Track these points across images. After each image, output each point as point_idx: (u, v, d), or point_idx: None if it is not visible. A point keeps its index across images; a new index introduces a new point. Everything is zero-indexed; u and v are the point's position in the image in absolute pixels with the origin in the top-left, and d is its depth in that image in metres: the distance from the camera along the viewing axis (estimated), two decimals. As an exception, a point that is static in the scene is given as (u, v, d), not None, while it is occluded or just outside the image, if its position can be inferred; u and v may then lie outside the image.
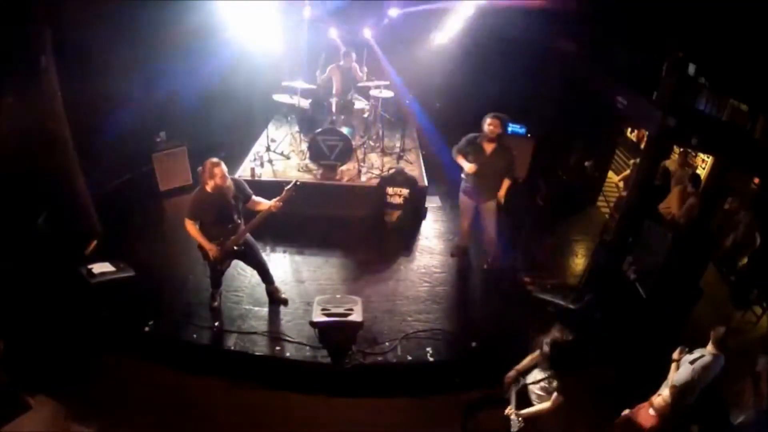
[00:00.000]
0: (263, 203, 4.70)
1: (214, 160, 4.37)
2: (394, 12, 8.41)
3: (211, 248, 4.61)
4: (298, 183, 4.67)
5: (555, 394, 3.38)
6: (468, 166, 5.37)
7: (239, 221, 4.66)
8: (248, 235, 4.84)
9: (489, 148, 5.39)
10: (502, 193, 5.52)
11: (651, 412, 3.59)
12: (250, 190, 4.73)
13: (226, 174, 4.40)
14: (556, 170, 8.85)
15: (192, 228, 4.53)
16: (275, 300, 5.28)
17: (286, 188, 4.61)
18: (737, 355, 5.05)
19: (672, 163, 7.29)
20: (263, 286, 5.31)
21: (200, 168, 4.43)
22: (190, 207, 4.50)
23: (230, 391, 4.48)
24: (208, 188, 4.40)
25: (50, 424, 3.90)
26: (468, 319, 5.33)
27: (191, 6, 6.65)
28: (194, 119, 7.82)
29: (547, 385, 3.44)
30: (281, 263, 5.94)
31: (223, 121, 8.49)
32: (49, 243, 5.17)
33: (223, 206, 4.49)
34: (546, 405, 3.41)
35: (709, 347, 3.72)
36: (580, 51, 7.76)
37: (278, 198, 4.61)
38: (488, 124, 5.30)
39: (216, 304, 5.11)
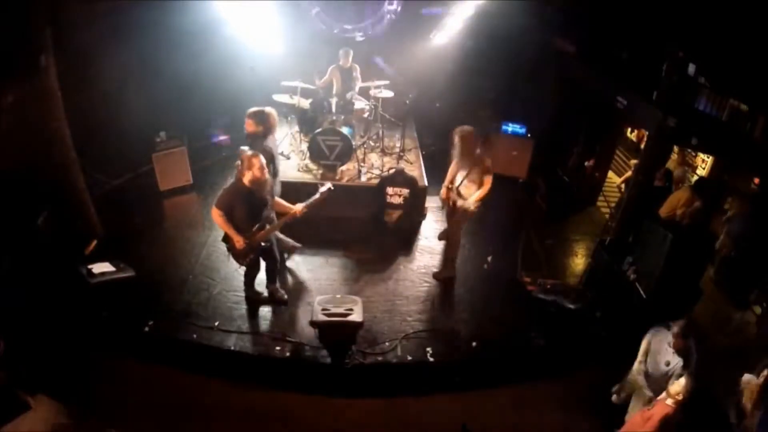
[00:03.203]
0: (284, 205, 4.79)
1: (252, 152, 4.45)
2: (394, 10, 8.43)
3: (239, 239, 4.55)
4: (332, 188, 4.76)
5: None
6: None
7: (271, 216, 4.73)
8: (277, 233, 4.96)
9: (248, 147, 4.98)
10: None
11: (669, 402, 3.54)
12: (279, 188, 4.91)
13: (264, 166, 4.43)
14: (556, 170, 8.85)
15: (219, 218, 4.50)
16: (275, 299, 5.28)
17: (320, 191, 4.72)
18: (737, 356, 5.08)
19: (671, 162, 7.29)
20: (263, 286, 5.32)
21: (237, 162, 4.51)
22: (222, 197, 4.48)
23: (230, 392, 4.48)
24: (246, 181, 4.42)
25: (50, 424, 3.89)
26: (468, 319, 5.33)
27: (191, 5, 6.65)
28: (194, 119, 7.82)
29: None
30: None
31: (223, 121, 8.51)
32: (49, 243, 5.17)
33: (257, 201, 4.54)
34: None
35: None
36: (580, 51, 7.76)
37: (306, 203, 4.71)
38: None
39: (274, 294, 5.22)
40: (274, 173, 5.16)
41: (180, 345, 4.77)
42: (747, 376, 3.97)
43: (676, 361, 3.79)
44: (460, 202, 5.45)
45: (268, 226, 4.71)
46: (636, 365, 4.12)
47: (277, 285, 5.32)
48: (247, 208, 4.53)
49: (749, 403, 3.81)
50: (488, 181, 5.27)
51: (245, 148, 5.08)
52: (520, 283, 5.81)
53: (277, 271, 5.25)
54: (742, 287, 5.71)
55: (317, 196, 4.75)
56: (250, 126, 5.02)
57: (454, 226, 5.76)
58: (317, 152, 6.71)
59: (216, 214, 4.52)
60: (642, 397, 4.04)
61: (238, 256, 4.77)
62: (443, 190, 5.69)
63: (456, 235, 5.76)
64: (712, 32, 5.14)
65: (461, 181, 5.47)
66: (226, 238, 4.69)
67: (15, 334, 4.20)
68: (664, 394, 3.65)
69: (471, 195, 5.35)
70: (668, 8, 5.43)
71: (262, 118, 5.01)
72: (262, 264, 5.15)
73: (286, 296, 5.32)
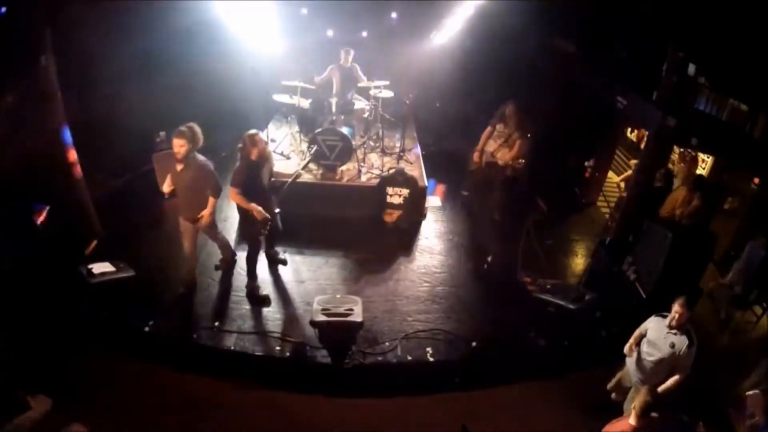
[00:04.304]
0: (281, 172, 5.58)
1: (252, 131, 4.83)
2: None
3: (261, 211, 4.85)
4: (316, 148, 6.09)
5: None
6: (165, 186, 4.88)
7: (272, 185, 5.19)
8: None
9: (179, 167, 4.74)
10: (206, 212, 4.86)
11: (631, 420, 3.41)
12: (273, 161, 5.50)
13: (265, 139, 4.97)
14: (556, 170, 8.84)
15: (237, 195, 4.81)
16: (274, 261, 5.73)
17: (310, 152, 6.02)
18: (738, 356, 5.08)
19: (681, 171, 7.27)
20: (263, 285, 5.37)
21: (239, 145, 4.88)
22: (237, 176, 4.80)
23: (230, 391, 4.48)
24: (253, 157, 4.80)
25: (50, 424, 3.90)
26: (468, 319, 5.33)
27: (191, 5, 6.64)
28: (194, 119, 7.80)
29: None
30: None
31: (223, 120, 8.49)
32: (49, 243, 5.17)
33: (265, 172, 4.98)
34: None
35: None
36: (580, 51, 7.77)
37: (303, 165, 5.69)
38: (175, 145, 4.63)
39: (265, 292, 5.36)
40: (215, 193, 4.90)
41: (180, 345, 4.77)
42: (752, 391, 3.97)
43: (681, 341, 3.81)
44: (500, 162, 6.70)
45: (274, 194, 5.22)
46: (629, 356, 4.12)
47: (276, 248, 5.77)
48: (262, 179, 4.94)
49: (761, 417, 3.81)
50: (518, 144, 6.56)
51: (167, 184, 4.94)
52: (520, 283, 5.81)
53: (275, 236, 5.56)
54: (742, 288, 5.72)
55: (310, 157, 5.91)
56: (183, 146, 4.60)
57: (497, 185, 6.78)
58: (317, 152, 6.71)
59: (234, 193, 4.82)
60: (638, 391, 4.04)
61: (260, 227, 4.98)
62: (476, 155, 6.89)
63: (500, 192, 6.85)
64: (711, 32, 5.14)
65: (495, 147, 6.72)
66: (245, 219, 5.04)
67: (15, 334, 4.21)
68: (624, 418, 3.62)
69: (502, 156, 6.64)
70: (668, 8, 5.43)
71: (192, 135, 4.70)
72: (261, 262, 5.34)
73: (285, 257, 5.81)
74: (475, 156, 6.93)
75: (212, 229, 5.21)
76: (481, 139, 6.88)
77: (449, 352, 4.93)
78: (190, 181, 4.73)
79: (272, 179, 5.27)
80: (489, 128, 6.84)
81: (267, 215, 4.92)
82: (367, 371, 4.68)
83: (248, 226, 5.12)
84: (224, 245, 5.55)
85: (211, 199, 4.83)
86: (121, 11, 6.32)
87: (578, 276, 6.35)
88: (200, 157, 4.78)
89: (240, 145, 4.90)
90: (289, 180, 5.41)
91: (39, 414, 3.92)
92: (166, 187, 4.85)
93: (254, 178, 4.87)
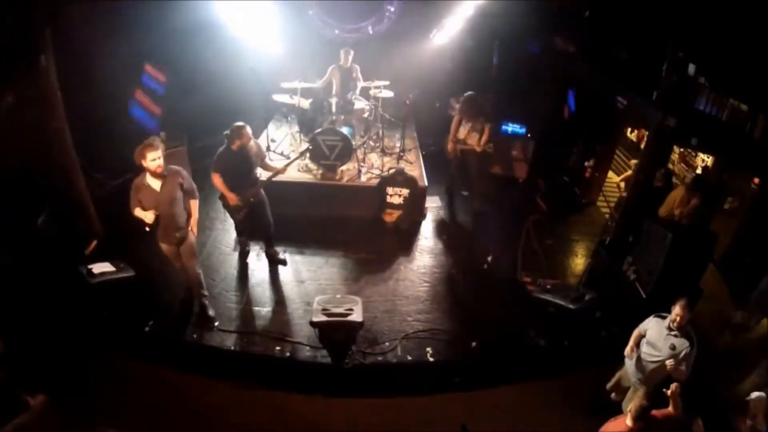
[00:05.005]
0: (271, 166, 5.52)
1: (240, 123, 5.04)
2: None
3: (232, 197, 5.20)
4: (310, 147, 6.21)
5: None
6: (148, 216, 4.38)
7: (256, 177, 5.37)
8: (263, 194, 5.45)
9: (158, 184, 4.47)
10: (194, 218, 4.77)
11: (627, 421, 3.40)
12: (265, 153, 5.79)
13: (251, 134, 5.13)
14: (556, 170, 8.85)
15: (218, 180, 5.14)
16: (274, 261, 5.82)
17: (300, 152, 5.98)
18: (738, 356, 5.08)
19: (675, 164, 7.29)
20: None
21: (226, 132, 5.08)
22: (215, 162, 5.11)
23: (230, 392, 4.48)
24: (234, 147, 5.02)
25: (50, 424, 3.90)
26: (468, 319, 5.33)
27: (191, 5, 6.65)
28: (194, 119, 7.81)
29: None
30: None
31: (223, 120, 8.49)
32: (49, 243, 5.17)
33: (244, 163, 5.16)
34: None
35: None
36: (580, 51, 7.77)
37: (287, 162, 5.55)
38: (152, 160, 4.34)
39: (248, 248, 5.92)
40: (193, 194, 4.76)
41: (180, 345, 4.78)
42: (756, 394, 3.96)
43: (681, 343, 3.80)
44: (478, 148, 7.06)
45: (256, 184, 5.38)
46: (630, 358, 4.12)
47: (275, 248, 5.87)
48: (238, 167, 5.13)
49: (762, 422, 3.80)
50: (487, 129, 6.99)
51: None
52: (520, 283, 5.81)
53: (271, 233, 5.71)
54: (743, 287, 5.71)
55: (298, 155, 5.95)
56: (160, 157, 4.39)
57: (472, 170, 7.40)
58: (317, 152, 6.71)
59: (215, 177, 5.12)
60: (637, 391, 4.03)
61: (233, 211, 5.37)
62: (450, 145, 7.21)
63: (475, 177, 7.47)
64: (711, 32, 5.14)
65: (465, 134, 7.11)
66: (222, 196, 5.28)
67: (15, 334, 4.21)
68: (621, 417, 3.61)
69: (475, 142, 7.04)
70: (668, 8, 5.43)
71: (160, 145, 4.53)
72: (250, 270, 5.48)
73: (284, 257, 5.87)
74: (450, 146, 7.26)
75: (192, 255, 4.86)
76: (451, 130, 7.22)
77: (449, 352, 4.93)
78: (175, 191, 4.50)
79: (254, 171, 5.35)
80: (456, 117, 7.20)
81: (238, 203, 5.24)
82: (367, 371, 4.68)
83: (228, 207, 5.42)
84: (196, 280, 5.02)
85: (194, 203, 4.73)
86: (121, 11, 6.32)
87: (578, 276, 6.34)
88: (171, 166, 4.62)
89: (226, 132, 5.09)
90: (271, 174, 5.49)
91: (36, 412, 3.92)
92: (150, 217, 4.37)
93: (231, 167, 5.10)
